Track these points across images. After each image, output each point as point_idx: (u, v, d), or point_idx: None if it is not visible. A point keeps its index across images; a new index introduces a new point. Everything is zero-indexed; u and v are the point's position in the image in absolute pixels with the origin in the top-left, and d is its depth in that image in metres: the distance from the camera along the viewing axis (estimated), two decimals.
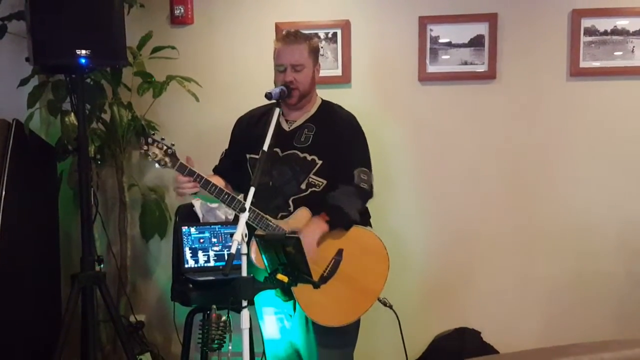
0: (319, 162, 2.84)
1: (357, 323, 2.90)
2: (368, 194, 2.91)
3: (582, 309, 3.98)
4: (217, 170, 3.05)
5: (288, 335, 2.96)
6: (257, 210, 2.73)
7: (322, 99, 3.02)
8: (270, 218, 2.76)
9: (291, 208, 2.83)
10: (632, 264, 3.95)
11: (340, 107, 3.03)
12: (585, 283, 3.97)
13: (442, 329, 4.05)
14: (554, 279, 4.00)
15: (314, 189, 2.84)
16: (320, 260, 2.70)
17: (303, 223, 2.78)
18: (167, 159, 2.71)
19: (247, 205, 2.45)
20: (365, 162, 2.94)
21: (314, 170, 2.84)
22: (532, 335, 3.98)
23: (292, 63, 2.83)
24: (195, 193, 2.83)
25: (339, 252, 2.74)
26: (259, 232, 2.73)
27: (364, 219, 2.94)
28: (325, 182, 2.85)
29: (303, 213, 2.80)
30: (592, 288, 3.97)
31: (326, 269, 2.70)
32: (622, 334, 3.87)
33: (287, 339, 2.97)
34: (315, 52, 2.92)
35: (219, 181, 2.87)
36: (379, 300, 2.83)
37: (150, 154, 2.71)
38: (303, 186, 2.84)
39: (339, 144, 2.88)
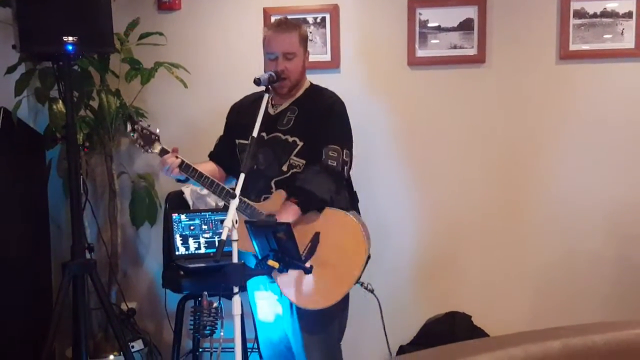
0: (300, 144, 2.85)
1: (342, 309, 2.90)
2: (338, 172, 2.82)
3: (572, 293, 4.00)
4: (211, 156, 3.09)
5: (280, 319, 2.96)
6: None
7: (310, 82, 3.02)
8: (249, 201, 2.76)
9: (273, 190, 2.83)
10: (621, 248, 3.97)
11: (327, 89, 3.02)
12: (574, 267, 4.00)
13: (433, 313, 4.06)
14: (543, 262, 4.02)
15: (295, 170, 2.84)
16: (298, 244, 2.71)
17: (278, 205, 2.77)
18: (151, 145, 2.81)
19: (238, 191, 2.45)
20: (338, 140, 2.86)
21: (294, 152, 2.84)
22: (522, 319, 4.00)
23: (284, 52, 2.83)
24: (185, 179, 2.84)
25: (316, 236, 2.74)
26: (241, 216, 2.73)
27: (352, 204, 2.94)
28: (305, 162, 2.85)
29: (280, 195, 2.79)
30: (581, 272, 3.99)
31: (303, 253, 2.71)
32: (611, 317, 3.90)
33: (279, 323, 2.98)
34: (305, 40, 2.92)
35: (206, 166, 2.91)
36: (361, 285, 2.81)
37: (137, 141, 2.81)
38: (284, 168, 2.84)
39: (316, 123, 2.86)
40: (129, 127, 2.83)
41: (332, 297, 2.77)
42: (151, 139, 2.82)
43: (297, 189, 2.76)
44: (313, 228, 2.75)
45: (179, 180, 2.92)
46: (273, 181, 2.84)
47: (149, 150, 2.82)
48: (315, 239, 2.73)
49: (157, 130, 2.83)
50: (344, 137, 2.90)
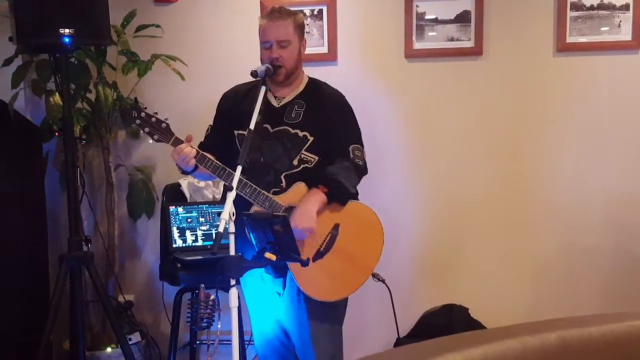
0: (311, 139, 2.84)
1: (346, 297, 2.91)
2: (363, 170, 2.92)
3: (569, 285, 4.00)
4: (202, 147, 2.98)
5: (275, 314, 2.96)
6: (255, 186, 2.73)
7: (308, 76, 3.01)
8: (267, 194, 2.75)
9: (283, 184, 2.82)
10: (619, 240, 3.97)
11: (327, 84, 3.02)
12: (572, 259, 4.00)
13: (431, 306, 4.06)
14: (540, 255, 4.02)
15: (306, 165, 2.84)
16: (317, 235, 2.73)
17: (300, 197, 2.78)
18: (161, 134, 2.72)
19: (235, 183, 2.44)
20: (358, 139, 2.95)
21: (305, 147, 2.84)
22: (519, 311, 4.01)
23: (278, 39, 2.81)
24: (193, 170, 2.81)
25: (336, 227, 2.77)
26: (255, 207, 2.73)
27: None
28: (317, 158, 2.85)
29: (299, 187, 2.80)
30: (579, 264, 3.99)
31: (322, 243, 2.74)
32: (608, 309, 3.90)
33: (274, 317, 2.97)
34: (300, 28, 2.90)
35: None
36: (373, 276, 2.84)
37: (144, 129, 2.72)
38: (295, 162, 2.83)
39: (330, 121, 2.88)
40: (134, 115, 2.72)
41: (350, 287, 2.81)
42: (161, 128, 2.73)
43: (329, 179, 2.78)
44: (334, 219, 2.78)
45: (184, 172, 2.89)
46: (283, 175, 2.83)
47: (160, 140, 2.73)
48: (335, 230, 2.76)
49: (166, 119, 2.74)
50: (360, 135, 2.97)
